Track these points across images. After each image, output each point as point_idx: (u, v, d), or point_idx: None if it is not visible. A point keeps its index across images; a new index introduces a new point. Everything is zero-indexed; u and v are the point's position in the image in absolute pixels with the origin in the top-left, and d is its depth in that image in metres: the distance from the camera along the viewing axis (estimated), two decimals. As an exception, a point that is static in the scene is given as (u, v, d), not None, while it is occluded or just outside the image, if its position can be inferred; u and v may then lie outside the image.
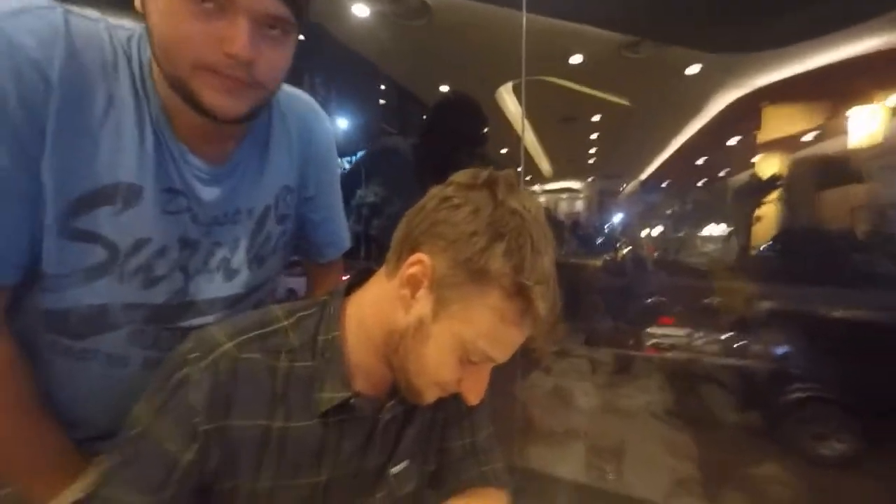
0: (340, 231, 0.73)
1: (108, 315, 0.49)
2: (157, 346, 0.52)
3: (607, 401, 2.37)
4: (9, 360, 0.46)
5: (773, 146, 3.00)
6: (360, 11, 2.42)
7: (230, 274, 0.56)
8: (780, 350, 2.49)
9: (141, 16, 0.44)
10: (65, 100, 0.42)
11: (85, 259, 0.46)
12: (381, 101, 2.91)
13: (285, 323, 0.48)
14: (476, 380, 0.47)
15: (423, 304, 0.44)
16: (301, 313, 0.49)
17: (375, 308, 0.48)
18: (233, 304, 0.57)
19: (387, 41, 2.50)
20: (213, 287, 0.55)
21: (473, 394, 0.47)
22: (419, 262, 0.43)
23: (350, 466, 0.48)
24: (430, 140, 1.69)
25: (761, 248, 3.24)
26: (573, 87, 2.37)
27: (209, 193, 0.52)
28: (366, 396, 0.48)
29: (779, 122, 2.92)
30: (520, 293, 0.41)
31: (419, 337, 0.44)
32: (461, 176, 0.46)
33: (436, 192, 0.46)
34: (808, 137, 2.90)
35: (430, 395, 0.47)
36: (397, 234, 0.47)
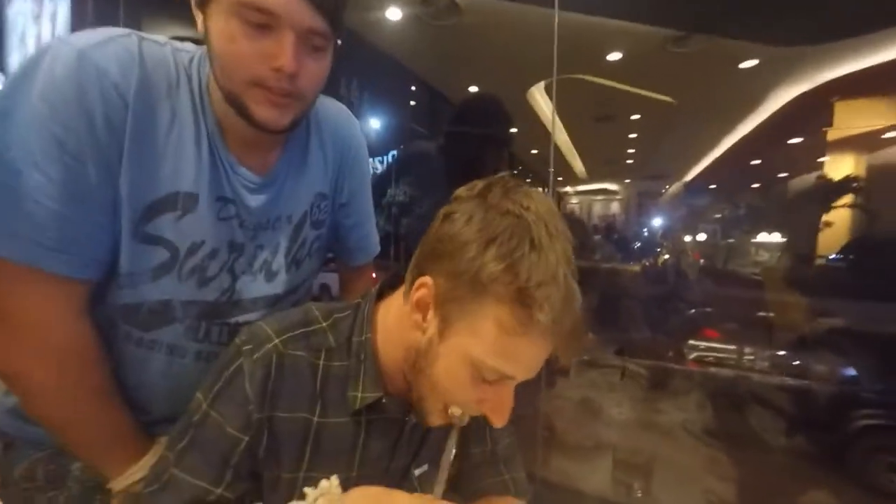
0: (371, 236, 0.77)
1: (171, 310, 0.55)
2: (207, 340, 0.58)
3: (640, 415, 2.25)
4: (92, 346, 0.51)
5: (846, 144, 2.66)
6: (393, 15, 2.44)
7: (271, 275, 0.61)
8: (847, 372, 2.24)
9: (202, 37, 0.51)
10: (138, 118, 0.48)
11: (152, 259, 0.52)
12: (412, 103, 2.93)
13: (324, 324, 0.51)
14: (498, 400, 0.44)
15: (432, 325, 0.43)
16: (337, 315, 0.52)
17: (397, 325, 0.49)
18: (273, 303, 0.62)
19: (418, 43, 2.50)
20: (256, 287, 0.60)
21: (497, 415, 0.45)
22: (423, 286, 0.44)
23: (379, 466, 0.50)
24: (454, 142, 1.68)
25: (829, 258, 2.90)
26: (610, 84, 2.25)
27: (255, 201, 0.57)
28: (396, 398, 0.49)
29: (854, 118, 2.59)
30: (517, 298, 0.38)
31: (429, 358, 0.44)
32: (461, 189, 0.46)
33: (441, 210, 0.46)
34: (891, 135, 2.55)
35: (436, 419, 0.47)
36: (412, 261, 0.48)
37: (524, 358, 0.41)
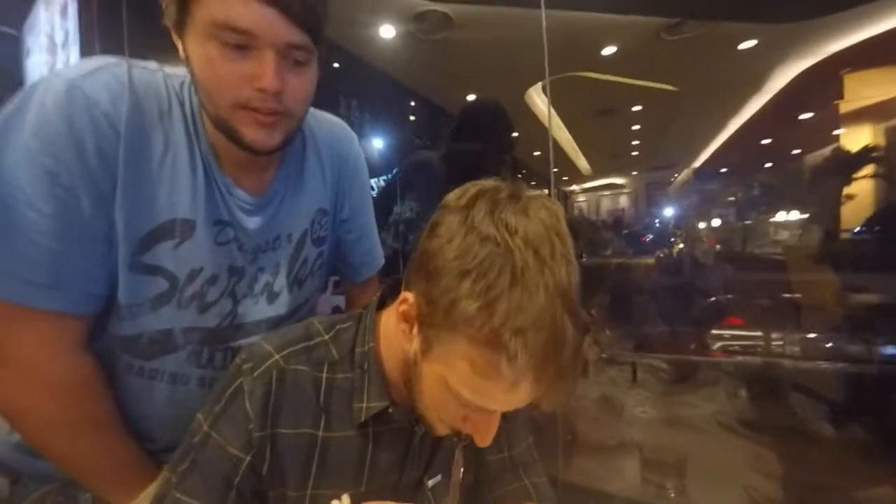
0: (374, 250, 0.76)
1: (172, 338, 0.54)
2: (211, 366, 0.58)
3: (664, 411, 2.19)
4: (94, 378, 0.51)
5: (861, 115, 2.57)
6: (387, 33, 2.48)
7: (272, 297, 0.60)
8: (886, 350, 2.13)
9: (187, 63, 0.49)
10: (130, 146, 0.48)
11: (151, 290, 0.52)
12: (413, 118, 2.96)
13: (326, 337, 0.50)
14: (480, 423, 0.43)
15: (415, 341, 0.42)
16: (340, 326, 0.51)
17: (396, 333, 0.48)
18: (276, 324, 0.61)
19: (413, 59, 2.54)
20: (259, 309, 0.59)
21: (480, 436, 0.43)
22: (404, 301, 0.42)
23: (389, 479, 0.49)
24: (454, 150, 1.69)
25: (854, 232, 2.78)
26: (607, 78, 2.23)
27: (252, 223, 0.56)
28: (403, 407, 0.48)
29: (866, 89, 2.51)
30: (490, 342, 0.34)
31: (415, 373, 0.43)
32: (451, 195, 0.42)
33: (432, 218, 0.43)
34: (906, 102, 2.45)
35: (441, 430, 0.46)
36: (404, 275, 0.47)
37: (500, 399, 0.38)
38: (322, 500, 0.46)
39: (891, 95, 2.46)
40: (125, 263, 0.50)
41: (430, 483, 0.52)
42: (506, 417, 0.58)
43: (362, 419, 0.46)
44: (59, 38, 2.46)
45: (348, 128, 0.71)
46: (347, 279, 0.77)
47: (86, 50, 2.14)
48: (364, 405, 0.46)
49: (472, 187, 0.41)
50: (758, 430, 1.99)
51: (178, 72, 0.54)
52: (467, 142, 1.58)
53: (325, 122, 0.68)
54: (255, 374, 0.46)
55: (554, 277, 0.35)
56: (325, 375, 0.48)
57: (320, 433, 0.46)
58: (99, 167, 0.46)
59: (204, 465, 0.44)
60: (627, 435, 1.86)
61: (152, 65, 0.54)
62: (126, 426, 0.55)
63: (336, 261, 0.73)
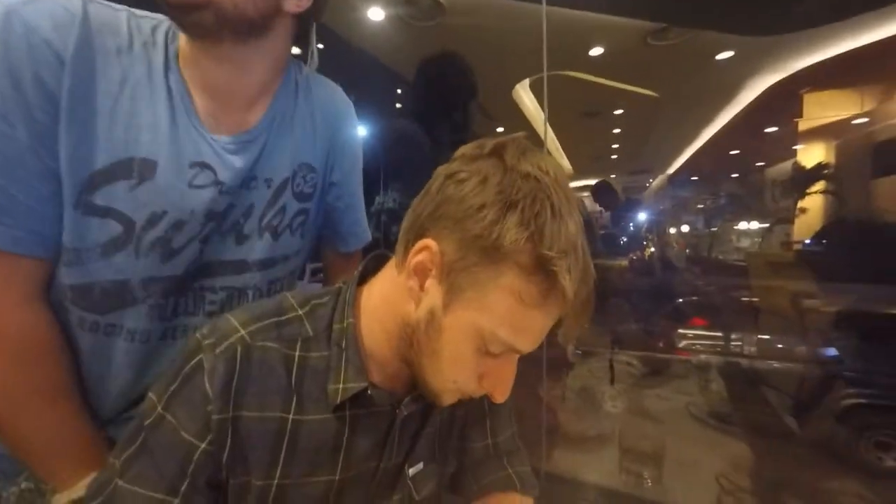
0: (362, 222, 0.74)
1: (128, 290, 0.50)
2: (175, 315, 0.54)
3: (637, 403, 2.27)
4: (48, 338, 0.47)
5: (817, 133, 2.79)
6: (376, 15, 2.42)
7: (241, 238, 0.57)
8: (830, 352, 2.31)
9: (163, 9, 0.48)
10: (77, 78, 0.45)
11: (101, 234, 0.48)
12: (398, 106, 2.91)
13: (300, 312, 0.46)
14: (500, 374, 0.42)
15: (432, 294, 0.40)
16: (315, 301, 0.47)
17: (387, 301, 0.45)
18: (241, 270, 0.57)
19: (402, 44, 2.49)
20: (224, 249, 0.56)
21: (499, 390, 0.42)
22: (425, 249, 0.40)
23: (367, 465, 0.45)
24: (421, 109, 1.67)
25: (805, 243, 3.01)
26: (594, 80, 2.28)
27: (235, 162, 0.54)
28: (383, 390, 0.45)
29: (823, 107, 2.72)
30: (541, 268, 0.36)
31: (431, 332, 0.40)
32: (467, 148, 0.42)
33: (441, 170, 0.42)
34: (858, 122, 2.68)
35: (449, 398, 0.43)
36: (404, 223, 0.44)
37: (535, 329, 0.39)
38: (291, 490, 0.42)
39: (842, 116, 2.68)
40: (70, 201, 0.46)
41: (412, 471, 0.49)
42: (491, 406, 0.57)
43: (338, 401, 0.42)
44: None
45: (346, 96, 0.69)
46: (333, 248, 0.73)
47: None
48: (340, 386, 0.43)
49: (488, 140, 0.41)
50: (725, 421, 2.10)
51: (151, 14, 0.53)
52: (428, 98, 1.57)
53: (324, 83, 0.67)
54: (218, 350, 0.41)
55: (576, 214, 0.38)
56: (297, 353, 0.44)
57: (291, 416, 0.42)
58: (37, 96, 0.44)
59: (156, 450, 0.40)
60: (605, 426, 1.91)
61: (116, 5, 0.51)
62: (81, 398, 0.50)
63: (324, 229, 0.70)
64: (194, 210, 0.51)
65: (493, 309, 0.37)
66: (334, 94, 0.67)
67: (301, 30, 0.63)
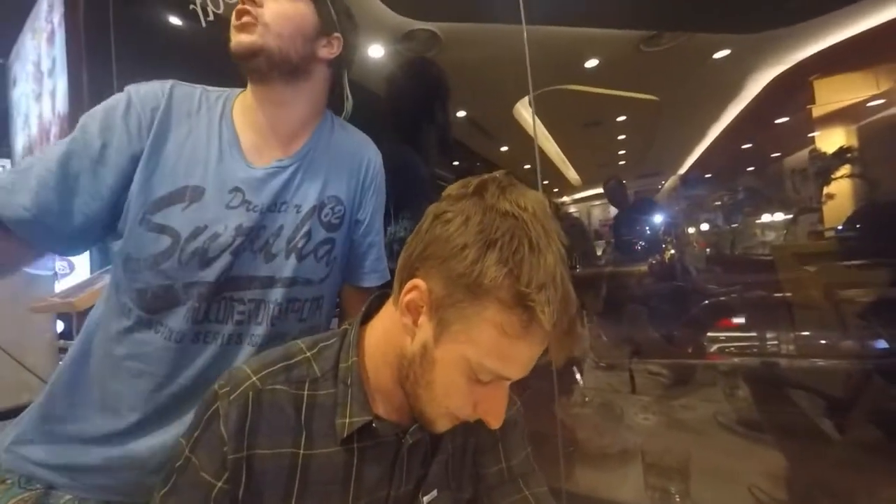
0: (384, 261, 0.85)
1: (174, 293, 0.61)
2: (206, 320, 0.63)
3: (662, 415, 2.19)
4: None
5: (833, 118, 2.69)
6: (376, 52, 2.55)
7: (269, 257, 0.67)
8: (878, 344, 2.16)
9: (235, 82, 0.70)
10: (161, 128, 0.64)
11: (156, 246, 0.61)
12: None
13: (308, 354, 0.51)
14: (492, 401, 0.45)
15: (425, 329, 0.44)
16: (322, 343, 0.53)
17: (388, 335, 0.49)
18: (268, 285, 0.66)
19: (402, 77, 2.59)
20: (254, 265, 0.66)
21: (492, 416, 0.46)
22: (415, 288, 0.44)
23: (377, 494, 0.49)
24: (405, 124, 1.75)
25: (838, 229, 2.87)
26: (591, 90, 2.31)
27: (268, 186, 0.66)
28: (388, 421, 0.49)
29: (836, 92, 2.63)
30: (520, 303, 0.39)
31: (425, 364, 0.44)
32: (453, 187, 0.47)
33: (431, 209, 0.47)
34: (876, 103, 2.58)
35: (442, 425, 0.47)
36: (399, 262, 0.48)
37: (521, 359, 0.42)
38: None
39: (858, 98, 2.59)
40: (136, 220, 0.61)
41: (426, 499, 0.52)
42: (503, 430, 0.59)
43: (345, 434, 0.47)
44: (45, 65, 2.47)
45: (374, 145, 0.85)
46: (353, 283, 0.81)
47: (73, 77, 2.15)
48: (347, 420, 0.47)
49: (472, 179, 0.46)
50: (757, 428, 1.99)
51: (222, 90, 0.72)
52: (404, 111, 1.63)
53: (356, 131, 0.83)
54: (232, 397, 0.46)
55: (556, 245, 0.41)
56: (306, 393, 0.48)
57: (301, 451, 0.47)
58: (136, 128, 0.63)
59: (182, 489, 0.45)
60: (628, 441, 1.86)
61: (196, 85, 0.73)
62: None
63: (348, 264, 0.79)
64: (227, 225, 0.64)
65: (479, 341, 0.41)
66: (365, 141, 0.82)
67: (336, 78, 0.81)
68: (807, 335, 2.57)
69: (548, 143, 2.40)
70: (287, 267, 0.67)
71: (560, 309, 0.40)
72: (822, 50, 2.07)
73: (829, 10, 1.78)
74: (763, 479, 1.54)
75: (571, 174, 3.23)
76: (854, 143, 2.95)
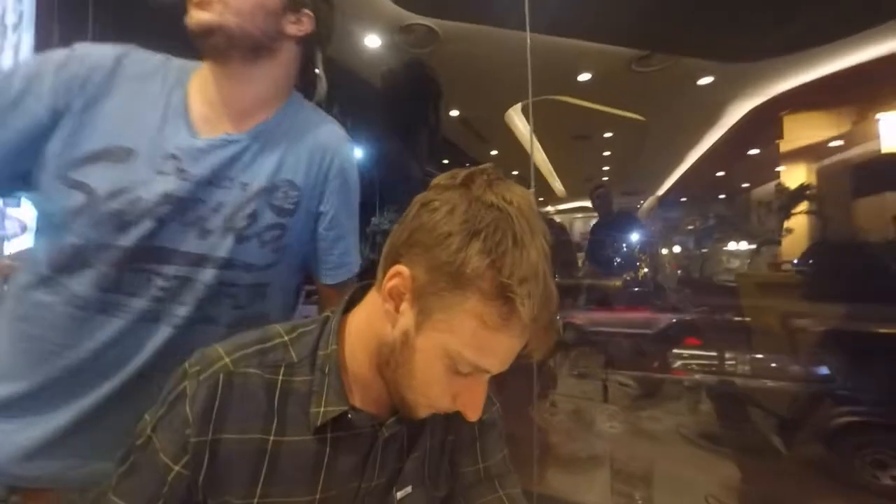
0: (352, 254, 0.75)
1: (83, 254, 0.55)
2: (117, 290, 0.56)
3: (630, 425, 2.24)
4: None
5: (798, 154, 2.88)
6: (372, 42, 2.53)
7: (203, 233, 0.59)
8: (822, 371, 2.31)
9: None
10: (100, 88, 0.59)
11: (69, 202, 0.55)
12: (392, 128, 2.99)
13: (286, 338, 0.48)
14: (471, 393, 0.44)
15: (406, 316, 0.42)
16: (302, 329, 0.50)
17: (369, 322, 0.47)
18: (199, 263, 0.59)
19: (397, 70, 2.59)
20: (181, 239, 0.59)
21: (470, 409, 0.44)
22: (398, 275, 0.42)
23: (348, 486, 0.46)
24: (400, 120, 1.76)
25: (793, 263, 3.06)
26: (583, 104, 2.38)
27: (204, 161, 0.60)
28: (364, 412, 0.46)
29: (802, 130, 2.82)
30: (500, 294, 0.38)
31: (406, 352, 0.42)
32: (441, 177, 0.45)
33: (417, 198, 0.45)
34: (836, 144, 2.78)
35: (423, 411, 0.45)
36: (384, 249, 0.46)
37: (501, 351, 0.41)
38: None
39: (821, 138, 2.79)
40: (53, 173, 0.55)
41: (400, 494, 0.49)
42: (482, 430, 0.58)
43: (318, 423, 0.44)
44: (10, 20, 2.29)
45: (345, 133, 0.76)
46: (321, 280, 0.75)
47: (42, 34, 2.01)
48: (322, 409, 0.45)
49: (461, 171, 0.45)
50: (716, 441, 2.07)
51: (187, 62, 0.66)
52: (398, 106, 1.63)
53: (327, 120, 0.73)
54: (202, 377, 0.44)
55: (540, 242, 0.40)
56: (280, 378, 0.46)
57: (271, 437, 0.44)
58: (64, 86, 0.57)
59: (140, 470, 0.43)
60: (597, 447, 1.88)
61: (160, 54, 0.66)
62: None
63: (312, 259, 0.73)
64: (153, 189, 0.57)
65: (459, 331, 0.40)
66: (336, 132, 0.72)
67: (306, 58, 0.71)
68: (761, 357, 2.71)
69: (536, 152, 2.44)
70: (222, 247, 0.60)
71: (540, 304, 0.38)
72: (798, 86, 2.22)
73: (807, 47, 1.91)
74: (719, 489, 1.59)
75: (557, 185, 3.29)
76: (813, 180, 3.18)
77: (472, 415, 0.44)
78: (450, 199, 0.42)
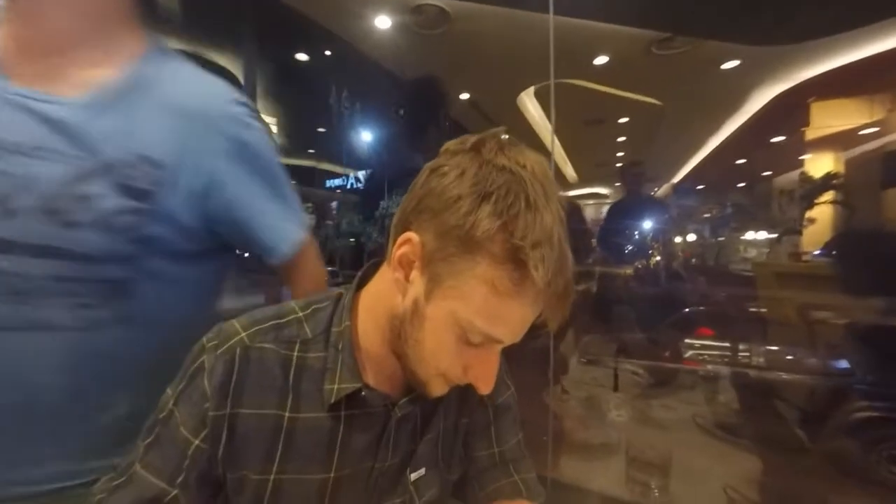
0: (285, 224, 0.64)
1: None
2: None
3: (643, 413, 2.24)
4: None
5: (825, 142, 2.76)
6: (382, 23, 2.46)
7: (8, 213, 0.48)
8: (840, 364, 2.26)
9: None
10: None
11: None
12: (402, 112, 2.94)
13: (300, 314, 0.48)
14: (483, 365, 0.42)
15: (416, 285, 0.41)
16: (316, 305, 0.49)
17: (380, 297, 0.46)
18: (4, 250, 0.48)
19: (408, 52, 2.52)
20: None
21: (482, 381, 0.43)
22: (408, 241, 0.41)
23: (361, 465, 0.46)
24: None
25: (814, 254, 2.97)
26: (599, 88, 2.29)
27: (9, 122, 0.48)
28: (377, 391, 0.46)
29: (830, 117, 2.69)
30: (512, 258, 0.37)
31: (415, 321, 0.41)
32: (451, 143, 0.44)
33: (427, 165, 0.44)
34: (866, 132, 2.65)
35: (436, 386, 0.44)
36: (394, 219, 0.45)
37: (513, 320, 0.40)
38: (287, 485, 0.44)
39: (851, 126, 2.66)
40: None
41: (413, 476, 0.49)
42: (496, 414, 0.57)
43: (332, 401, 0.44)
44: None
45: (233, 96, 0.60)
46: (268, 261, 0.65)
47: None
48: (336, 386, 0.44)
49: (470, 136, 0.43)
50: (731, 432, 2.06)
51: None
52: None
53: (198, 74, 0.59)
54: (219, 351, 0.44)
55: (554, 206, 0.39)
56: (295, 354, 0.46)
57: (287, 414, 0.44)
58: None
59: (163, 442, 0.43)
60: (610, 435, 1.89)
61: None
62: None
63: (245, 244, 0.62)
64: None
65: (470, 298, 0.38)
66: (212, 87, 0.58)
67: None
68: (777, 349, 2.67)
69: (549, 136, 2.37)
70: (37, 231, 0.49)
71: (555, 269, 0.37)
72: (825, 72, 2.10)
73: (838, 31, 1.80)
74: (738, 482, 1.59)
75: (569, 171, 3.23)
76: (840, 169, 3.05)
77: (485, 387, 0.43)
78: (460, 164, 0.40)
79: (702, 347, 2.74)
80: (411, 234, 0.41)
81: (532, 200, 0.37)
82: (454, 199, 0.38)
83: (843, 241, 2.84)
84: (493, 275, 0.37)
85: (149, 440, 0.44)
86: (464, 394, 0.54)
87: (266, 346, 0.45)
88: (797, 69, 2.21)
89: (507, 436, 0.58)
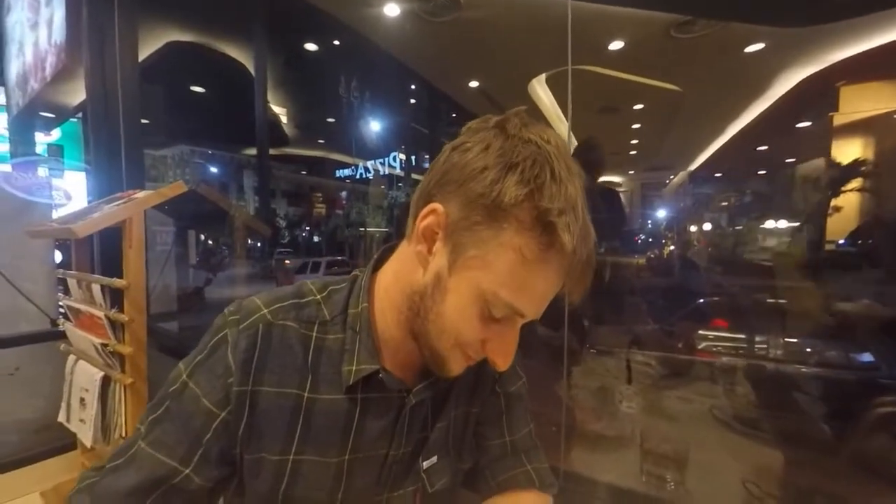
0: None
1: None
2: None
3: (656, 404, 2.23)
4: None
5: (854, 128, 2.62)
6: (391, 11, 2.42)
7: None
8: (864, 358, 2.20)
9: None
10: None
11: None
12: (413, 101, 2.92)
13: (318, 296, 0.48)
14: (502, 339, 0.42)
15: (439, 256, 0.41)
16: (332, 287, 0.49)
17: (397, 275, 0.46)
18: None
19: (417, 40, 2.48)
20: None
21: (501, 356, 0.43)
22: (432, 212, 0.41)
23: (376, 449, 0.47)
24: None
25: (839, 243, 2.86)
26: (614, 74, 2.22)
27: None
28: (394, 376, 0.46)
29: (861, 102, 2.55)
30: (540, 222, 0.37)
31: (437, 294, 0.41)
32: (472, 123, 0.44)
33: (448, 144, 0.44)
34: (898, 117, 2.50)
35: (455, 363, 0.44)
36: (414, 196, 0.45)
37: (537, 291, 0.39)
38: (304, 467, 0.44)
39: (882, 110, 2.52)
40: None
41: (426, 464, 0.50)
42: (507, 404, 0.57)
43: (350, 382, 0.44)
44: None
45: None
46: None
47: (72, 7, 2.01)
48: (354, 368, 0.44)
49: (492, 116, 0.43)
50: (750, 426, 2.04)
51: None
52: None
53: None
54: (242, 325, 0.44)
55: (577, 180, 0.39)
56: (314, 335, 0.46)
57: (306, 394, 0.44)
58: None
59: (177, 417, 0.42)
60: (623, 426, 1.89)
61: None
62: None
63: None
64: None
65: (495, 267, 0.38)
66: None
67: None
68: (796, 342, 2.60)
69: (561, 124, 2.32)
70: None
71: (580, 236, 0.37)
72: (858, 54, 1.98)
73: (870, 11, 1.69)
74: (758, 476, 1.57)
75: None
76: (870, 156, 2.90)
77: (503, 363, 0.43)
78: (484, 139, 0.40)
79: (716, 339, 2.70)
80: (436, 205, 0.40)
81: (557, 172, 0.38)
82: (480, 169, 0.38)
83: (872, 229, 2.73)
84: (520, 241, 0.37)
85: (156, 415, 0.43)
86: (475, 382, 0.54)
87: (288, 323, 0.45)
88: (825, 52, 2.10)
89: (519, 425, 0.58)
